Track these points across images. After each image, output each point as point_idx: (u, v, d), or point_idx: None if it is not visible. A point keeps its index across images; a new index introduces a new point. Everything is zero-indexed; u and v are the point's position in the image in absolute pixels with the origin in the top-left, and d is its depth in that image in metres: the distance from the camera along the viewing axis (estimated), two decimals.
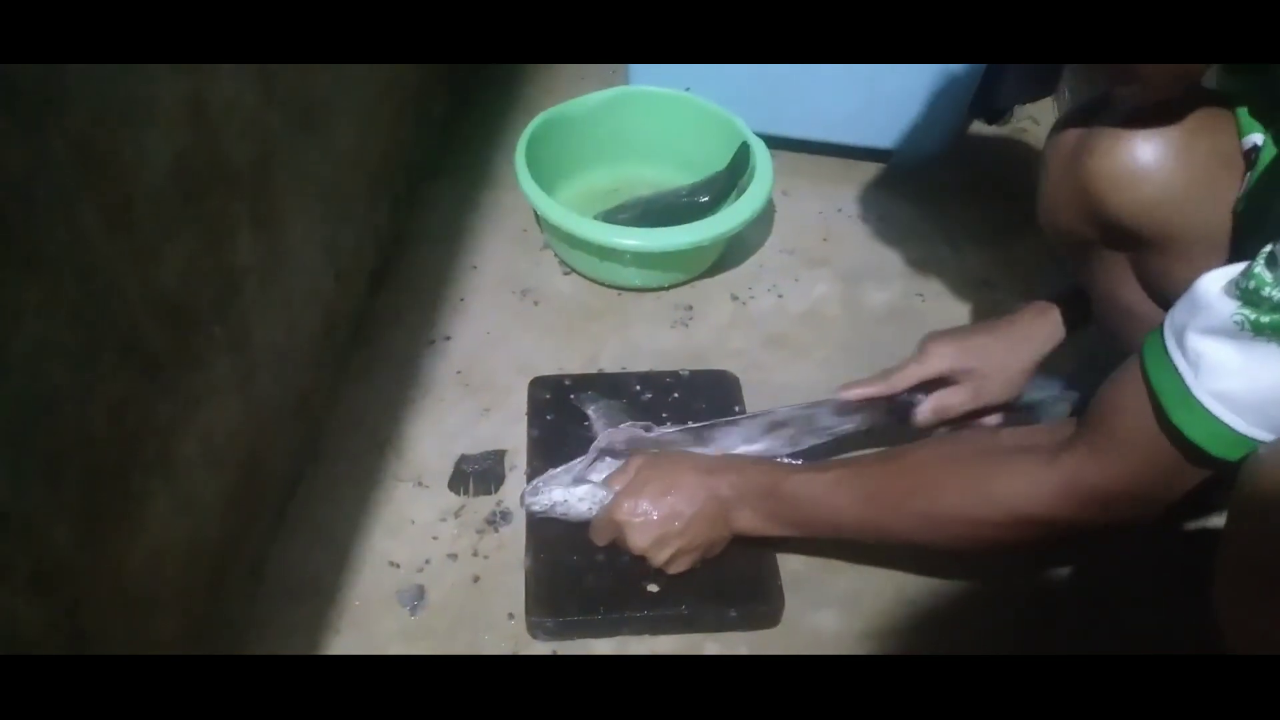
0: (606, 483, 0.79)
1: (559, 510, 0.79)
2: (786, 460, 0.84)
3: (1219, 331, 0.51)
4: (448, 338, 1.01)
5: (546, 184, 1.05)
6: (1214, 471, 0.55)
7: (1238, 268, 0.50)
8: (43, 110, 0.46)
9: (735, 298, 1.08)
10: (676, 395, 0.93)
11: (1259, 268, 0.48)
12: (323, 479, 0.87)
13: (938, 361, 0.82)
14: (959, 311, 1.07)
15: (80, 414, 0.51)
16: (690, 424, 0.85)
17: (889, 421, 0.86)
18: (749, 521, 0.75)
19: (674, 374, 0.95)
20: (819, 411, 0.84)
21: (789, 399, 0.88)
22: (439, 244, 1.11)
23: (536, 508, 0.79)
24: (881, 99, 1.18)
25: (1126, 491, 0.60)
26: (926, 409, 0.83)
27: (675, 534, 0.74)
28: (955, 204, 1.21)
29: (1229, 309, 0.50)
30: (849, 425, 0.85)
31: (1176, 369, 0.53)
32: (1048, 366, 0.83)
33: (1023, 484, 0.64)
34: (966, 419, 0.83)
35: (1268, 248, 0.48)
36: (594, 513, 0.78)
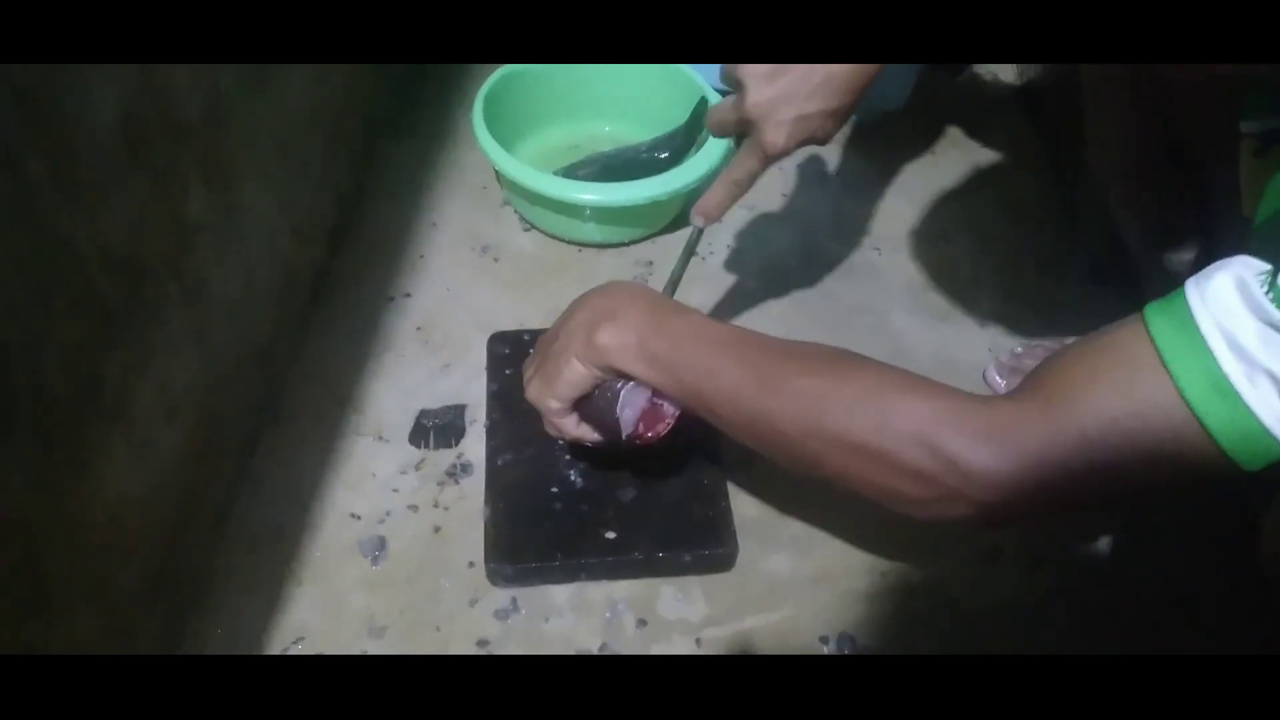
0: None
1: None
2: None
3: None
4: (408, 294, 1.01)
5: (505, 140, 1.05)
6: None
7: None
8: None
9: (695, 253, 1.09)
10: None
11: None
12: (283, 434, 0.87)
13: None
14: (915, 265, 1.09)
15: (32, 364, 0.51)
16: None
17: None
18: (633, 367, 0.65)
19: None
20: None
21: None
22: (398, 201, 1.11)
23: None
24: None
25: (1082, 465, 0.50)
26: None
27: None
28: (913, 158, 1.22)
29: None
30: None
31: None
32: None
33: (934, 409, 0.54)
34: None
35: None
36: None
